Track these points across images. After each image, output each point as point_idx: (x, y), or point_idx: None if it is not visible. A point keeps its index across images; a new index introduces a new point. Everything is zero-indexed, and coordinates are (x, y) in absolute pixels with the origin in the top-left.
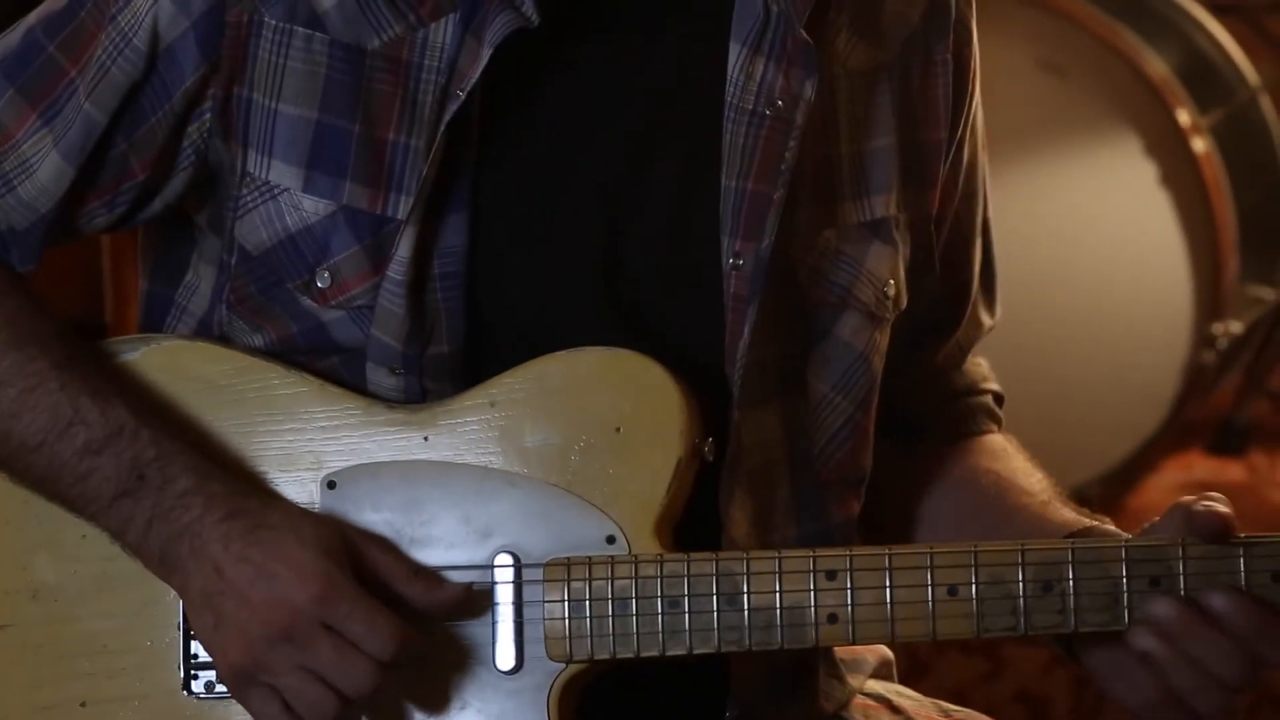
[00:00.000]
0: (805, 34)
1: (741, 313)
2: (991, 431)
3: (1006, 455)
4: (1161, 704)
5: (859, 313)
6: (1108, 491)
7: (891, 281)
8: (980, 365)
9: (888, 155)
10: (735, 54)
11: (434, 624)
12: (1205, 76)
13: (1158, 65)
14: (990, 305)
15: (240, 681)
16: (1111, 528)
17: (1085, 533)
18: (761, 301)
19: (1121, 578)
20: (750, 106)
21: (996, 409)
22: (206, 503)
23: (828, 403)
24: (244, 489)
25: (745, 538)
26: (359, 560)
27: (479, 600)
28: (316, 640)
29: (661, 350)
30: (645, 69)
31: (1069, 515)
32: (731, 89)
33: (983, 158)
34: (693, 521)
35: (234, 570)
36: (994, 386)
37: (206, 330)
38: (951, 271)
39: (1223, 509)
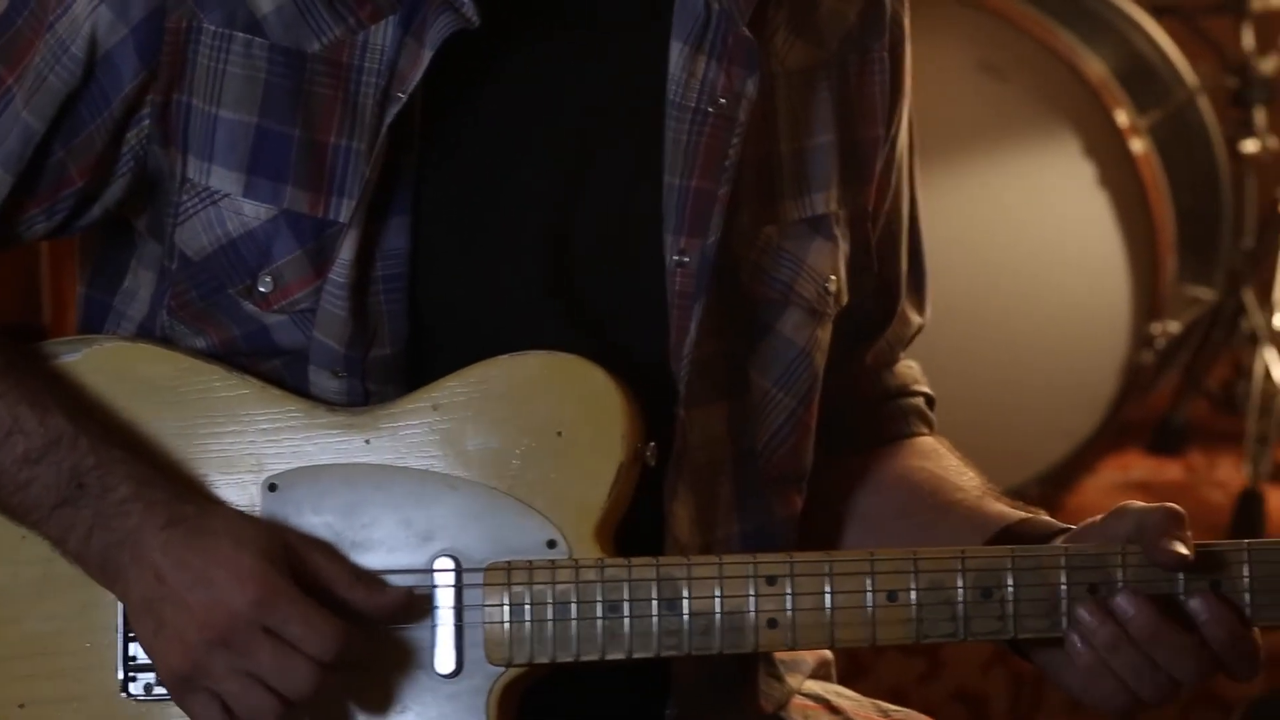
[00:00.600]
0: (747, 31)
1: (687, 310)
2: (923, 434)
3: (939, 455)
4: (1107, 692)
5: (801, 309)
6: (1046, 491)
7: (833, 277)
8: (911, 368)
9: (827, 152)
10: (677, 52)
11: (374, 628)
12: (1143, 77)
13: (1096, 66)
14: (919, 304)
15: (182, 687)
16: (1046, 518)
17: (1021, 524)
18: (706, 299)
19: (1060, 584)
20: (693, 104)
21: (928, 411)
22: (146, 509)
23: (770, 399)
24: (184, 494)
25: (687, 535)
26: (299, 564)
27: (419, 604)
28: (255, 644)
29: (607, 350)
30: (587, 68)
31: (1004, 508)
32: (673, 87)
33: (912, 157)
34: (636, 520)
35: (173, 576)
36: (925, 389)
37: (147, 335)
38: (881, 268)
39: (1184, 550)
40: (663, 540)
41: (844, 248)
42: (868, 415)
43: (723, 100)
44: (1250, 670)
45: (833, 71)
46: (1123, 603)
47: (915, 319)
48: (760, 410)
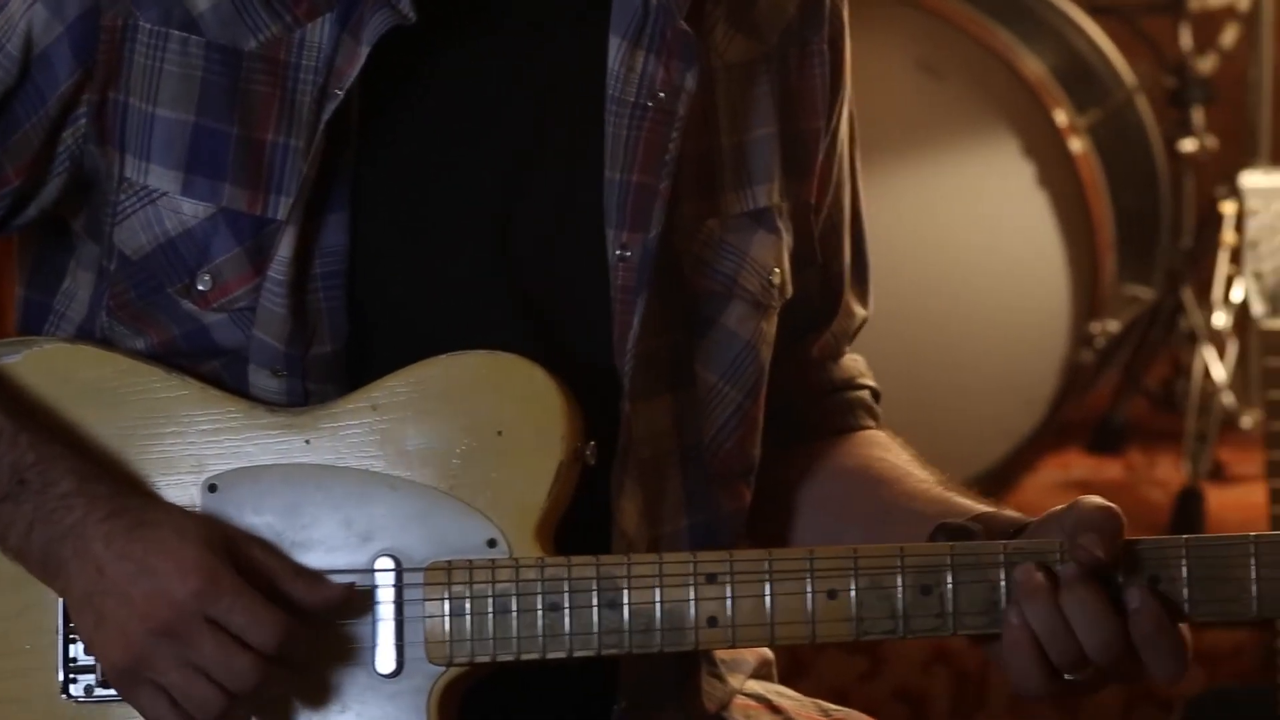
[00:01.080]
0: (685, 25)
1: (630, 304)
2: (870, 427)
3: (894, 447)
4: (1024, 658)
5: (745, 301)
6: (987, 490)
7: (776, 270)
8: (857, 361)
9: (768, 145)
10: (615, 47)
11: (316, 624)
12: (1082, 77)
13: (1035, 66)
14: (862, 296)
15: (126, 681)
16: (1011, 512)
17: (988, 516)
18: (649, 293)
19: (1000, 581)
20: (632, 99)
21: (874, 405)
22: (88, 504)
23: (716, 392)
24: (125, 489)
25: (635, 530)
26: (241, 557)
27: (360, 603)
28: (199, 634)
29: (550, 345)
30: (525, 64)
31: (968, 500)
32: (612, 82)
33: (853, 149)
34: (582, 516)
35: (115, 568)
36: (871, 383)
37: (87, 337)
38: (825, 261)
39: (1097, 551)
40: (609, 536)
41: (787, 240)
42: (814, 408)
43: (662, 94)
44: (1172, 669)
45: (773, 65)
46: (1062, 569)
47: (859, 311)
48: (706, 404)
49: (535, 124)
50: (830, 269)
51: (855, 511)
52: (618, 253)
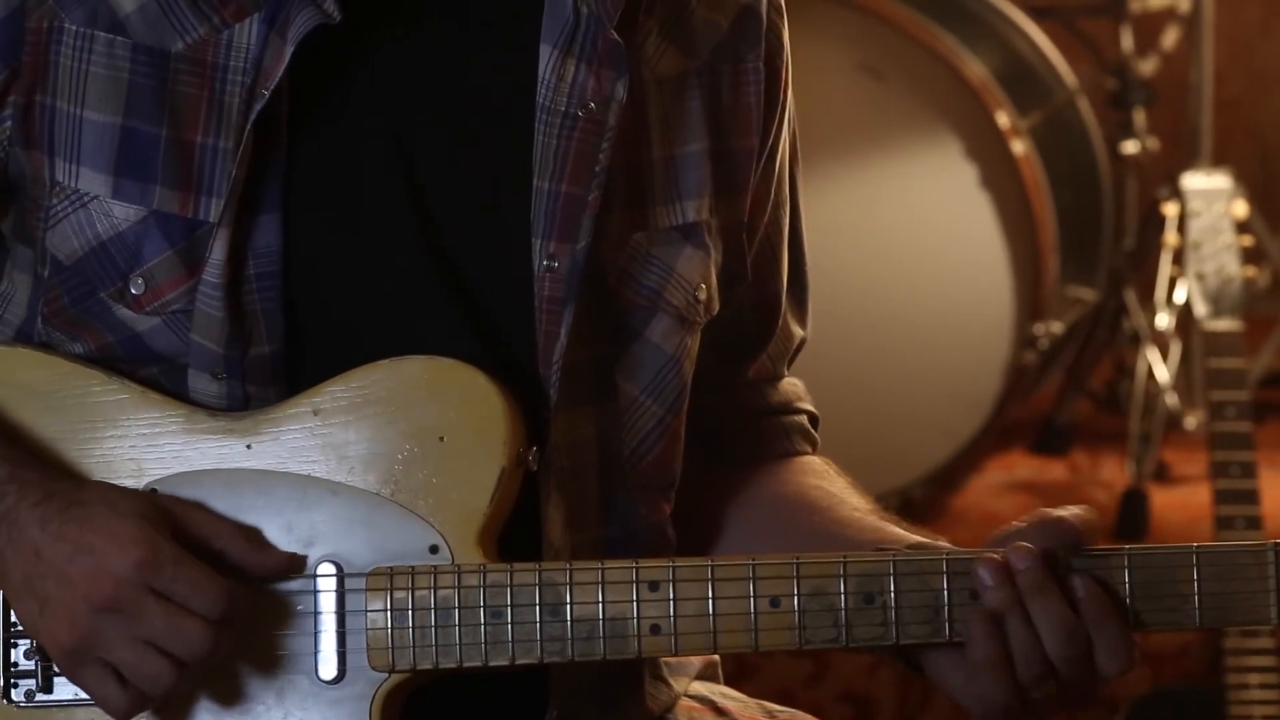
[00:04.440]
0: (616, 35)
1: (556, 315)
2: (806, 453)
3: (830, 475)
4: (988, 682)
5: (669, 316)
6: (931, 492)
7: (703, 285)
8: (795, 385)
9: (699, 160)
10: (546, 56)
11: (258, 588)
12: (1024, 79)
13: (976, 68)
14: (801, 317)
15: (72, 662)
16: (945, 544)
17: (919, 548)
18: (575, 304)
19: (943, 590)
20: (562, 108)
21: (811, 430)
22: (20, 489)
23: (638, 405)
24: (57, 474)
25: (560, 538)
26: (179, 526)
27: (301, 609)
28: (144, 606)
29: (479, 351)
30: (455, 66)
31: (903, 531)
32: (543, 90)
33: (795, 169)
34: (519, 523)
35: (52, 549)
36: (808, 407)
37: (26, 339)
38: (761, 281)
39: (1019, 561)
40: (540, 545)
41: (715, 257)
42: (749, 431)
43: (592, 104)
44: (1121, 660)
45: (705, 80)
46: (1017, 556)
47: (798, 332)
48: (628, 417)
49: (464, 128)
50: (766, 289)
51: (786, 539)
52: (544, 263)
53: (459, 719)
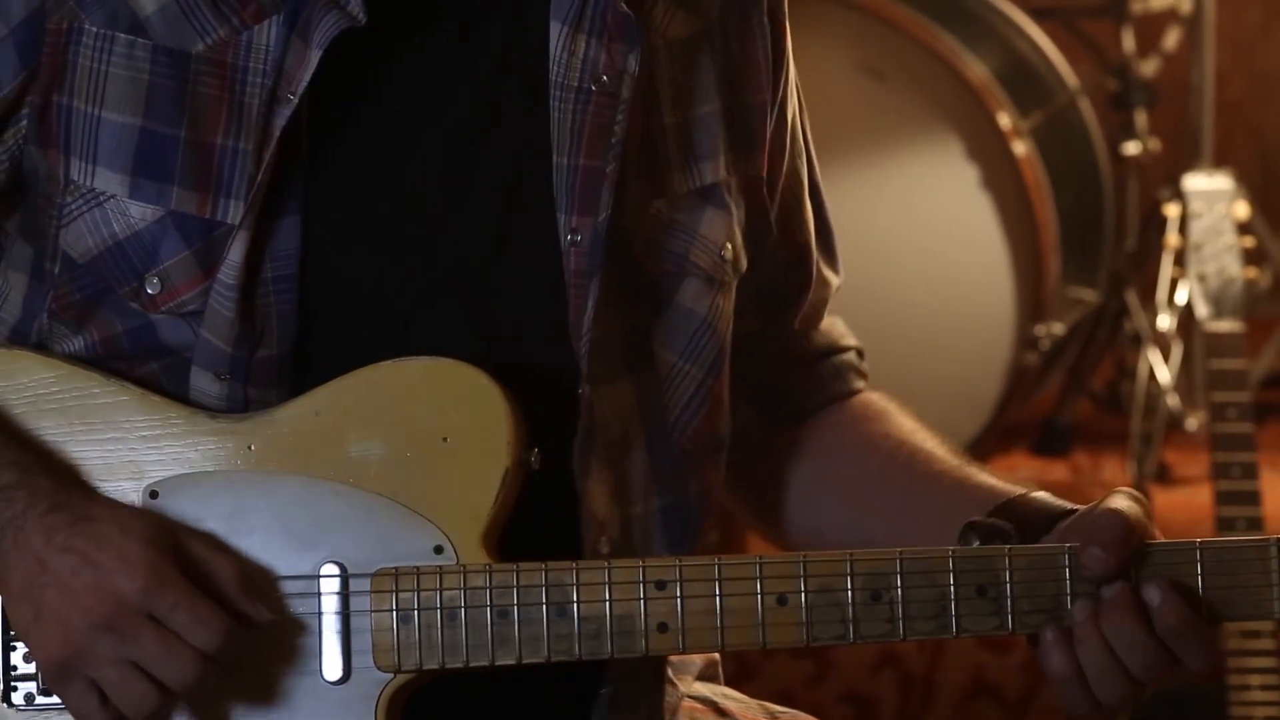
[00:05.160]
0: (625, 7)
1: (584, 289)
2: (860, 389)
3: (893, 417)
4: (1071, 682)
5: (698, 279)
6: None
7: (728, 245)
8: (835, 323)
9: (713, 121)
10: (556, 32)
11: (260, 630)
12: (1025, 80)
13: (978, 69)
14: (832, 263)
15: (59, 675)
16: (1040, 497)
17: (1023, 500)
18: (602, 276)
19: (949, 586)
20: (576, 84)
21: (861, 365)
22: (30, 497)
23: (678, 371)
24: (67, 484)
25: (606, 512)
26: (184, 554)
27: (305, 611)
28: (140, 631)
29: (505, 337)
30: (470, 58)
31: (993, 480)
32: (556, 67)
33: (804, 118)
34: (548, 502)
35: (56, 561)
36: (854, 342)
37: (22, 338)
38: (789, 233)
39: (1095, 565)
40: (578, 521)
41: (738, 215)
42: (804, 380)
43: (605, 78)
44: (1202, 661)
45: (715, 39)
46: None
47: (833, 279)
48: (668, 384)
49: (482, 115)
50: (795, 241)
51: (867, 499)
52: (569, 238)
53: (512, 689)
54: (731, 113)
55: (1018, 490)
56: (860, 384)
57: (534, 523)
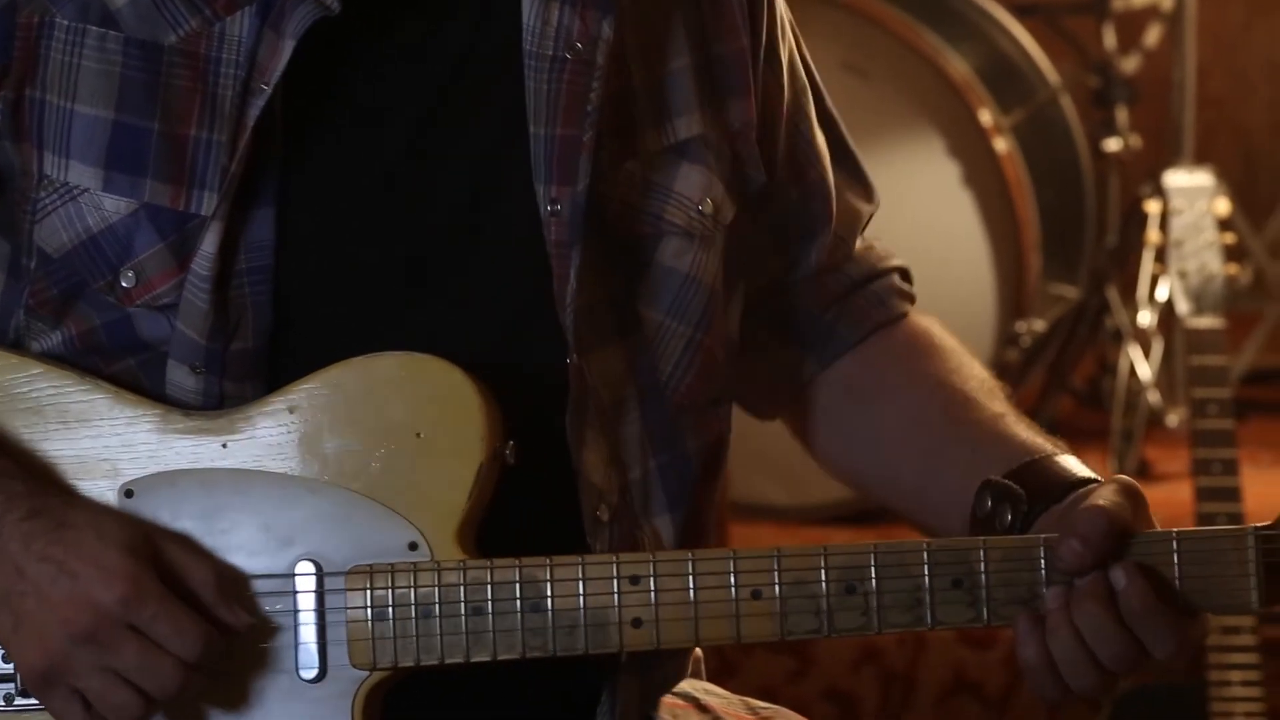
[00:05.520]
0: None
1: (566, 259)
2: (906, 313)
3: (933, 352)
4: (1042, 670)
5: (676, 236)
6: None
7: (708, 200)
8: (871, 249)
9: (684, 75)
10: (528, 2)
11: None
12: (1007, 77)
13: (959, 66)
14: (862, 190)
15: (41, 684)
16: (1066, 460)
17: (1034, 471)
18: (584, 244)
19: (924, 578)
20: (550, 53)
21: (904, 286)
22: (7, 502)
23: (666, 330)
24: (45, 488)
25: (603, 480)
26: (163, 561)
27: (281, 608)
28: (121, 641)
29: (487, 317)
30: (444, 37)
31: (1025, 435)
32: (529, 37)
33: (803, 51)
34: (546, 475)
35: (35, 569)
36: (894, 263)
37: (0, 336)
38: (799, 171)
39: (1070, 559)
40: (576, 491)
41: (718, 167)
42: (842, 314)
43: (579, 45)
44: (1169, 647)
45: None
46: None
47: (862, 207)
48: (657, 344)
49: (456, 94)
50: (807, 178)
51: (909, 452)
52: (549, 208)
53: (530, 673)
54: (704, 66)
55: (1044, 451)
56: (904, 306)
57: (531, 498)
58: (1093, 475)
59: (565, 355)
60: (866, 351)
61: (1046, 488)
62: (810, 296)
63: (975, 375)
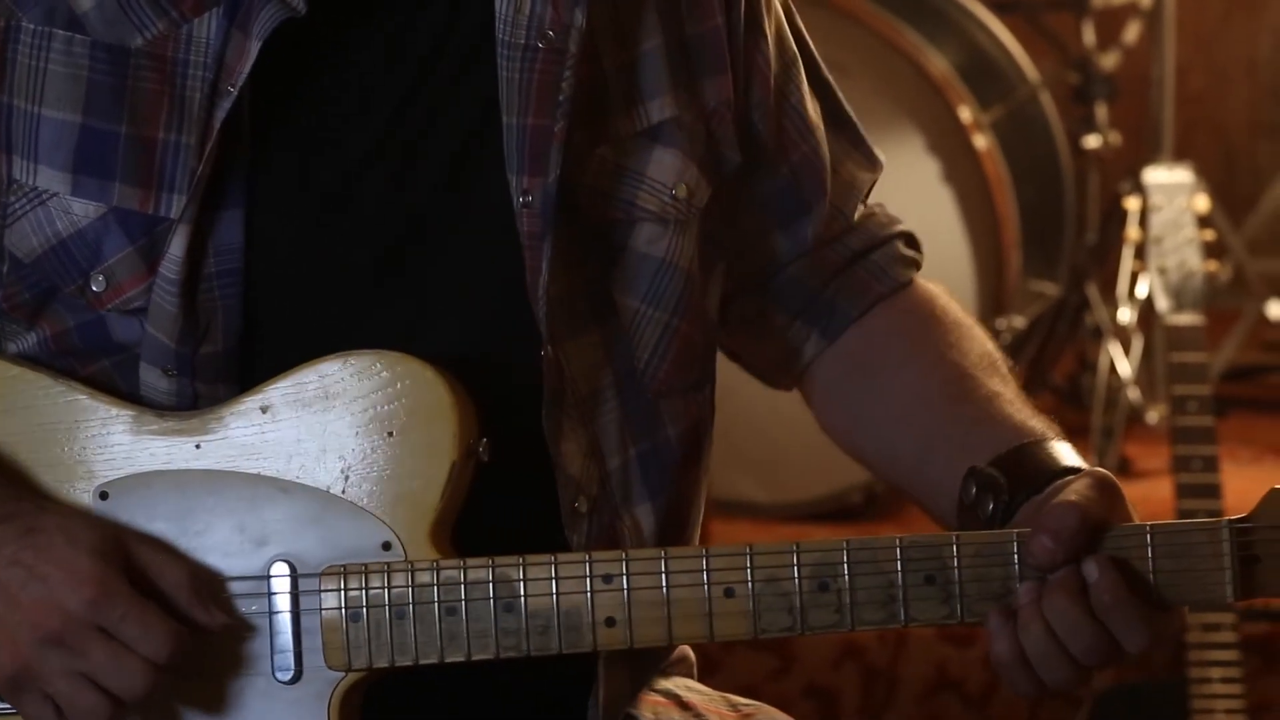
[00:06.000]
0: None
1: (538, 250)
2: (909, 280)
3: (935, 323)
4: (1014, 666)
5: (649, 221)
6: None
7: (682, 184)
8: (872, 216)
9: (656, 57)
10: None
11: (211, 634)
12: (986, 74)
13: (939, 63)
14: (863, 158)
15: (12, 687)
16: (1055, 447)
17: (1020, 458)
18: (555, 234)
19: (897, 574)
20: (522, 41)
21: (907, 251)
22: None
23: (641, 317)
24: (16, 493)
25: (581, 471)
26: (134, 563)
27: (255, 610)
28: (89, 643)
29: (464, 307)
30: (415, 34)
31: (1016, 417)
32: (501, 25)
33: (794, 21)
34: (522, 468)
35: (5, 574)
36: (897, 229)
37: None
38: (792, 144)
39: (1041, 556)
40: (554, 483)
41: (691, 150)
42: (845, 287)
43: (551, 33)
44: (1139, 639)
45: None
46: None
47: (865, 176)
48: (633, 330)
49: (429, 92)
50: (798, 151)
51: (908, 430)
52: (520, 199)
53: (518, 672)
54: (676, 46)
55: (1033, 435)
56: (907, 274)
57: (507, 493)
58: (1077, 464)
59: (540, 347)
60: (869, 325)
61: (1029, 476)
62: (810, 272)
63: (976, 350)
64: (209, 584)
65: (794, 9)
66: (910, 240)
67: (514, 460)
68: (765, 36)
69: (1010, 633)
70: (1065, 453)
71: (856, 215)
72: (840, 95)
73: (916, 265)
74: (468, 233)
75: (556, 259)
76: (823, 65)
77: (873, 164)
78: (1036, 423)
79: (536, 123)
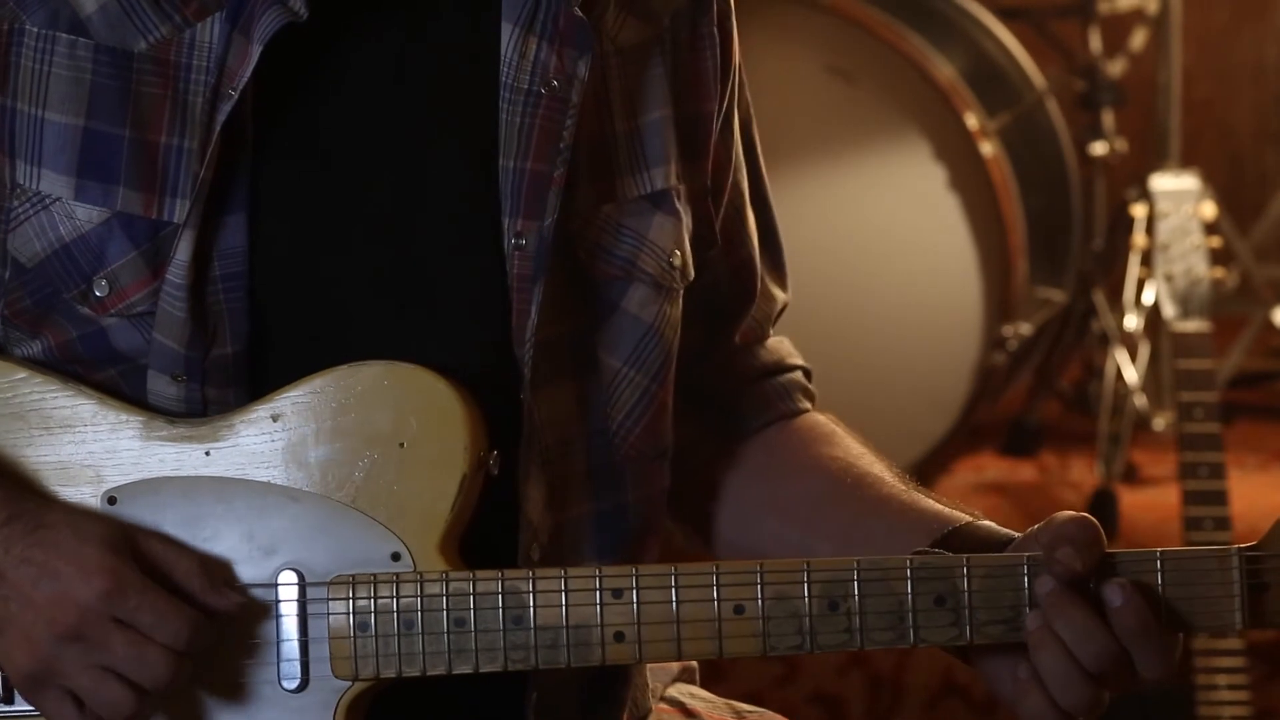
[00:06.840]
0: (579, 11)
1: (527, 293)
2: (807, 408)
3: (840, 440)
4: (1031, 698)
5: (645, 284)
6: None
7: (677, 252)
8: (782, 342)
9: (663, 127)
10: (508, 34)
11: (222, 624)
12: (992, 80)
13: (945, 69)
14: (779, 279)
15: (32, 686)
16: (990, 523)
17: (970, 528)
18: (547, 280)
19: (907, 595)
20: (525, 86)
21: (808, 384)
22: None
23: (622, 377)
24: (24, 492)
25: (539, 517)
26: (143, 554)
27: (263, 618)
28: (108, 636)
29: (449, 338)
30: (419, 54)
31: (941, 508)
32: (506, 69)
33: (752, 131)
34: (490, 504)
35: (16, 573)
36: (800, 362)
37: None
38: (733, 246)
39: (1077, 565)
40: (517, 525)
41: (687, 222)
42: (748, 397)
43: (555, 82)
44: (1160, 667)
45: (665, 47)
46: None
47: (779, 295)
48: (612, 389)
49: (431, 114)
50: (739, 253)
51: (814, 520)
52: (513, 241)
53: (441, 701)
54: (680, 121)
55: (963, 518)
56: (807, 404)
57: (476, 528)
58: (1015, 534)
59: (519, 389)
60: (770, 436)
61: (980, 550)
62: (720, 373)
63: (881, 460)
64: (219, 569)
65: (753, 119)
66: (809, 376)
67: (485, 500)
68: (734, 133)
69: (1020, 669)
70: (1000, 528)
71: (770, 335)
72: (775, 213)
73: (813, 399)
74: (460, 267)
75: (547, 304)
76: (766, 180)
77: (785, 290)
78: (961, 511)
79: (536, 167)
